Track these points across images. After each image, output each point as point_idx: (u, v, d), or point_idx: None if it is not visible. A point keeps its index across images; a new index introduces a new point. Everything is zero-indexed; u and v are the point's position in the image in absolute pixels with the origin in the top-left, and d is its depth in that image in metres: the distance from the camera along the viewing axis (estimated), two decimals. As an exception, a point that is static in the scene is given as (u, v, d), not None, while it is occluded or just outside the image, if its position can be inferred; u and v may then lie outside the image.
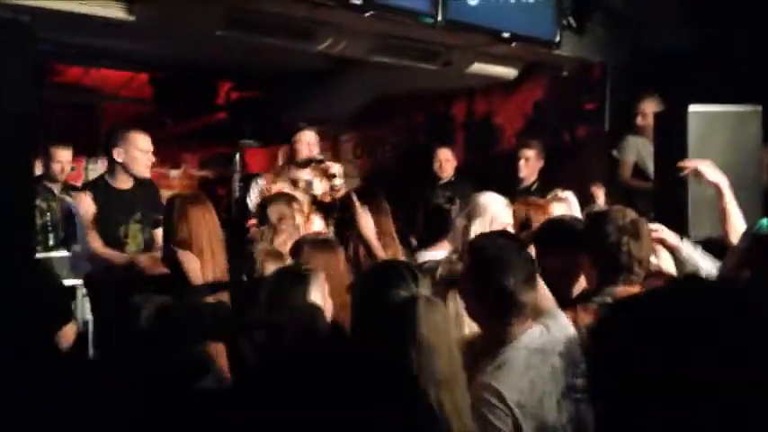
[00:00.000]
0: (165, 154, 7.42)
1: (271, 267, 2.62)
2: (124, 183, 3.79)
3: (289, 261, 2.73)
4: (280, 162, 4.48)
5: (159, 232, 3.63)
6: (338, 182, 4.13)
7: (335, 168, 4.17)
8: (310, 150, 4.27)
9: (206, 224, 3.00)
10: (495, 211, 3.25)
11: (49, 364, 2.08)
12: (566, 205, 3.86)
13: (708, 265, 2.70)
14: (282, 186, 4.13)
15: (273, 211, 3.25)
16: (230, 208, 6.54)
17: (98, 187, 3.81)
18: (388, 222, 3.35)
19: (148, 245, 3.81)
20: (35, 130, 2.47)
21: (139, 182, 3.87)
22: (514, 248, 2.17)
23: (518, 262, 2.05)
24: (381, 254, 2.92)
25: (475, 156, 6.26)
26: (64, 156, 4.98)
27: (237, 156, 6.80)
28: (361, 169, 7.29)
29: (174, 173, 7.32)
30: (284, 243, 3.04)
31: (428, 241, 3.34)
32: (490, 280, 2.02)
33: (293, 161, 4.32)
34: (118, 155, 3.73)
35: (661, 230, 2.76)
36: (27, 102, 2.28)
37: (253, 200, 4.17)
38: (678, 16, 5.12)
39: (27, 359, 1.95)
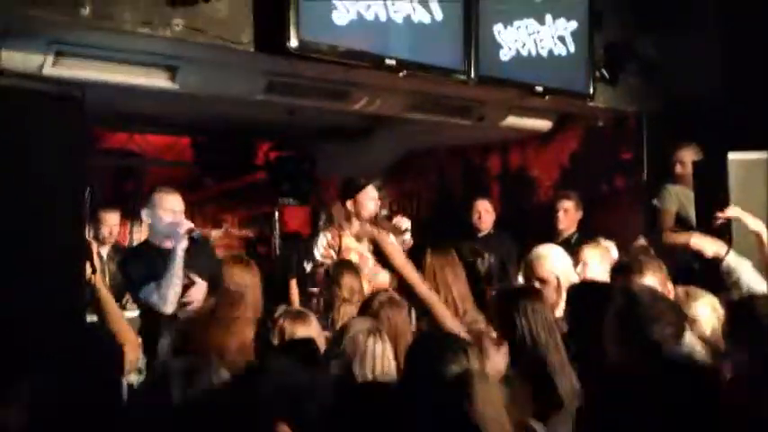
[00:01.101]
0: (206, 214, 7.60)
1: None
2: (166, 242, 3.64)
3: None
4: (339, 217, 4.36)
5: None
6: (407, 236, 4.08)
7: (405, 224, 4.14)
8: (375, 206, 4.23)
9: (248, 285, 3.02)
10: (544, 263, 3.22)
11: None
12: (603, 254, 3.80)
13: (752, 278, 2.60)
14: (349, 243, 4.13)
15: (346, 286, 3.28)
16: (271, 266, 6.59)
17: (142, 249, 3.80)
18: (464, 283, 3.25)
19: None
20: (84, 196, 2.56)
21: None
22: (666, 300, 2.13)
23: (668, 314, 2.02)
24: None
25: (511, 208, 6.25)
26: (111, 219, 5.10)
27: (276, 214, 6.91)
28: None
29: (215, 233, 7.45)
30: (352, 315, 3.04)
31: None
32: (637, 330, 1.99)
33: (358, 217, 4.22)
34: (145, 216, 3.67)
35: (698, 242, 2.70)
36: (77, 169, 2.38)
37: (321, 253, 4.12)
38: (712, 64, 5.12)
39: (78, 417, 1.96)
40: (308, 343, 2.58)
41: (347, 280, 3.34)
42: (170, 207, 3.63)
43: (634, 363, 2.01)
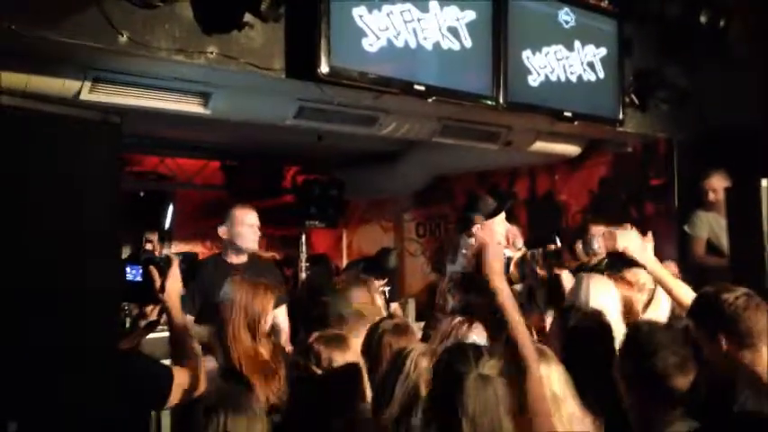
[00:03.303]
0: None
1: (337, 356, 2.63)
2: (235, 258, 3.95)
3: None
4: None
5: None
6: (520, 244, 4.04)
7: (519, 242, 4.11)
8: (504, 228, 3.92)
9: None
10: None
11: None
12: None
13: None
14: None
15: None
16: (296, 287, 6.62)
17: (209, 262, 3.96)
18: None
19: None
20: (119, 218, 2.59)
21: (253, 258, 4.02)
22: (670, 331, 2.10)
23: (670, 344, 1.99)
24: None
25: (539, 233, 6.21)
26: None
27: (303, 237, 6.94)
28: (425, 248, 7.32)
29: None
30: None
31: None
32: (638, 362, 1.97)
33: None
34: (223, 233, 3.94)
35: None
36: (111, 192, 2.42)
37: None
38: (746, 91, 5.07)
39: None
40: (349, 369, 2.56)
41: (356, 294, 3.27)
42: (248, 222, 3.96)
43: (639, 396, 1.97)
